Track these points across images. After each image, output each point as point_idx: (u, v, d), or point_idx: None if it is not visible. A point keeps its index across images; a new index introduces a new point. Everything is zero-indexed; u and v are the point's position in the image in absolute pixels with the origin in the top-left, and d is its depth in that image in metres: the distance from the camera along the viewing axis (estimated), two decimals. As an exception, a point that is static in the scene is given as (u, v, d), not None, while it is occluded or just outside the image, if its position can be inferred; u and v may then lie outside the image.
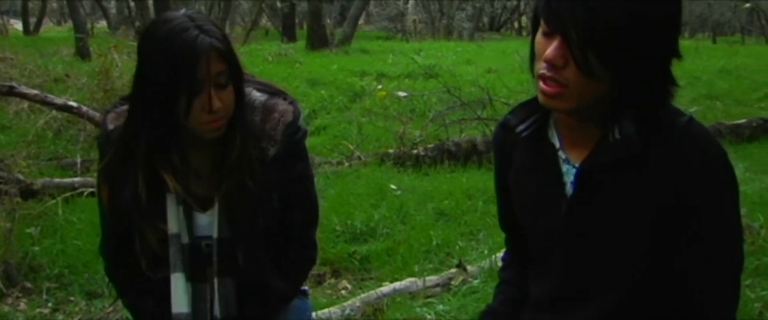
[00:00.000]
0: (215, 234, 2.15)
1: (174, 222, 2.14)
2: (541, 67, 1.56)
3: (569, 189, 1.69)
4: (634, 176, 1.60)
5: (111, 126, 2.18)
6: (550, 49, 1.52)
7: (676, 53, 1.60)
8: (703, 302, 1.63)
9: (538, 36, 1.57)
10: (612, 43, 1.48)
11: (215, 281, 2.18)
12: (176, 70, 1.94)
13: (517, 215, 1.85)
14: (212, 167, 2.15)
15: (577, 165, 1.67)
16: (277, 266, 2.25)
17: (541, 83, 1.57)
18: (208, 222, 2.17)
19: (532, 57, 1.60)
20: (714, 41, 30.03)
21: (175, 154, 2.10)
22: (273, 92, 2.22)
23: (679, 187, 1.57)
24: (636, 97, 1.57)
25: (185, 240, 2.16)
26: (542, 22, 1.56)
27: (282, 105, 2.18)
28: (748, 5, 22.48)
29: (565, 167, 1.70)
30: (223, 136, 2.09)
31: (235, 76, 2.02)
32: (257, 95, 2.18)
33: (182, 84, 1.95)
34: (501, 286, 2.02)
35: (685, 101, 11.48)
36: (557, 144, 1.71)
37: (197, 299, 2.20)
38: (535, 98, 1.65)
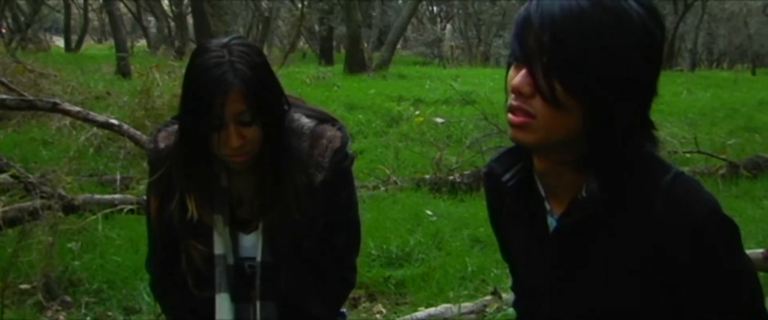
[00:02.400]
0: (259, 258, 2.18)
1: (220, 243, 2.17)
2: (510, 99, 1.51)
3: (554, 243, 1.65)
4: (614, 235, 1.53)
5: (162, 145, 2.22)
6: (517, 77, 1.47)
7: (654, 92, 1.51)
8: None
9: (511, 70, 1.52)
10: (577, 71, 1.42)
11: (257, 304, 2.20)
12: (200, 103, 1.98)
13: (511, 259, 1.85)
14: (254, 193, 2.17)
15: (557, 217, 1.63)
16: (317, 289, 2.26)
17: (509, 115, 1.52)
18: (252, 244, 2.20)
19: (506, 94, 1.54)
20: (754, 73, 29.77)
21: (221, 177, 2.14)
22: (322, 118, 2.24)
23: (664, 250, 1.49)
24: (609, 137, 1.48)
25: (230, 261, 2.19)
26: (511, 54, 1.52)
27: (330, 131, 2.20)
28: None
29: (549, 220, 1.65)
30: (263, 164, 2.11)
31: (262, 114, 2.00)
32: (306, 121, 2.20)
33: (204, 118, 1.99)
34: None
35: (722, 133, 11.41)
36: (543, 193, 1.65)
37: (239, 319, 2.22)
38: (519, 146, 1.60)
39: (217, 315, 2.19)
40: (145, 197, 6.37)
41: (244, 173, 2.15)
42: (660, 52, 1.49)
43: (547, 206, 1.65)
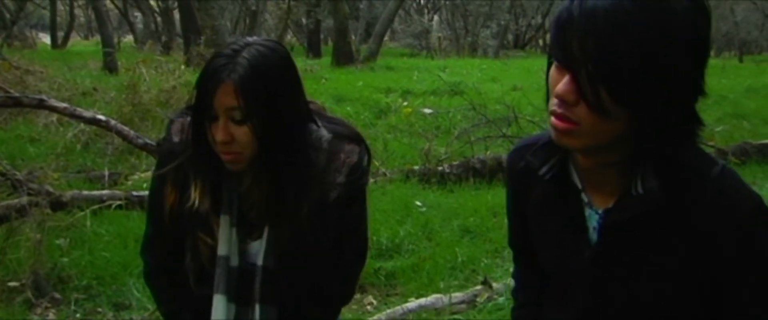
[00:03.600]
0: (260, 262, 2.15)
1: (225, 244, 2.13)
2: (553, 104, 1.47)
3: (592, 235, 1.63)
4: (661, 230, 1.53)
5: (176, 138, 2.17)
6: (561, 84, 1.44)
7: (700, 90, 1.47)
8: None
9: (552, 70, 1.49)
10: (624, 80, 1.38)
11: (256, 307, 2.18)
12: (199, 92, 1.98)
13: (536, 248, 1.81)
14: (261, 199, 2.13)
15: (600, 211, 1.61)
16: (318, 298, 2.25)
17: (553, 119, 1.49)
18: (256, 251, 2.17)
19: (548, 92, 1.52)
20: (740, 60, 29.89)
21: (232, 178, 2.11)
22: (342, 133, 2.18)
23: (714, 244, 1.49)
24: (656, 138, 1.47)
25: (234, 262, 2.16)
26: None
27: (348, 147, 2.16)
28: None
29: (587, 212, 1.64)
30: (267, 175, 2.08)
31: (254, 116, 1.96)
32: (325, 134, 2.14)
33: (200, 107, 1.98)
34: (518, 310, 1.99)
35: (710, 120, 11.43)
36: (580, 185, 1.64)
37: None
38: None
39: (213, 316, 2.17)
40: (134, 193, 6.38)
41: (253, 178, 2.11)
42: (707, 46, 1.45)
43: (585, 199, 1.64)
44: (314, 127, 2.14)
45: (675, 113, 1.45)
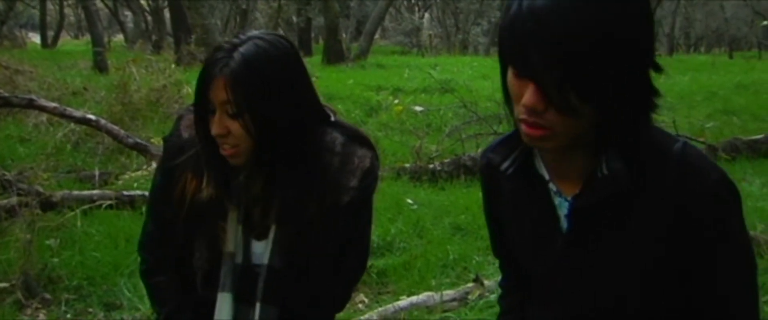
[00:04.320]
0: (265, 261, 2.14)
1: (231, 241, 2.13)
2: (521, 112, 1.46)
3: (563, 223, 1.63)
4: (630, 209, 1.53)
5: (185, 134, 2.16)
6: (527, 95, 1.42)
7: (653, 65, 1.48)
8: None
9: (510, 77, 1.47)
10: (590, 78, 1.37)
11: (257, 306, 2.16)
12: (197, 85, 2.00)
13: (512, 247, 1.80)
14: (260, 196, 2.13)
15: (569, 198, 1.60)
16: (318, 301, 2.24)
17: (524, 127, 1.48)
18: (262, 252, 2.16)
19: (507, 97, 1.51)
20: (730, 56, 29.95)
21: (241, 174, 2.10)
22: (355, 136, 2.17)
23: (681, 218, 1.50)
24: (621, 118, 1.46)
25: (238, 260, 2.15)
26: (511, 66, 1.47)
27: (362, 151, 2.15)
28: (765, 23, 22.38)
29: (557, 200, 1.63)
30: (273, 174, 2.07)
31: (246, 110, 1.96)
32: (338, 137, 2.14)
33: (199, 100, 2.00)
34: (503, 316, 1.99)
35: (700, 116, 11.48)
36: (547, 176, 1.63)
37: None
38: (515, 132, 1.57)
39: (217, 314, 2.15)
40: (124, 193, 6.36)
41: (258, 178, 2.10)
42: (653, 28, 1.47)
43: (553, 188, 1.63)
44: (328, 129, 2.12)
45: (637, 92, 1.46)
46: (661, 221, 1.52)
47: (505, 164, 1.63)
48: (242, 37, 1.99)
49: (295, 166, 2.05)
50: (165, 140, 2.26)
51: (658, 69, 1.49)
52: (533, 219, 1.68)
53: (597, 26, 1.36)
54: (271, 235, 2.13)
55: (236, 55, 1.94)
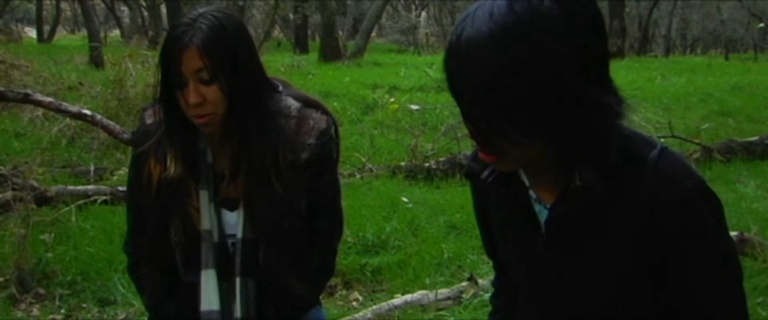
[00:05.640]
0: (239, 234, 2.20)
1: (207, 219, 2.19)
2: (471, 138, 1.48)
3: (544, 229, 1.63)
4: (606, 216, 1.53)
5: (149, 121, 2.25)
6: (469, 129, 1.45)
7: (603, 80, 1.44)
8: None
9: None
10: (516, 124, 1.38)
11: (237, 280, 2.21)
12: (163, 62, 2.08)
13: (500, 250, 1.82)
14: (236, 170, 2.19)
15: (548, 205, 1.60)
16: (299, 272, 2.27)
17: (478, 151, 1.51)
18: (235, 221, 2.22)
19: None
20: (727, 58, 29.97)
21: (207, 153, 2.19)
22: (309, 102, 2.27)
23: (654, 225, 1.49)
24: (576, 141, 1.45)
25: (216, 238, 2.20)
26: None
27: (316, 114, 2.24)
28: (761, 25, 22.39)
29: (537, 207, 1.63)
30: (240, 138, 2.14)
31: (221, 73, 2.05)
32: (293, 103, 2.24)
33: (167, 76, 2.08)
34: (494, 315, 2.00)
35: (696, 118, 11.48)
36: (527, 182, 1.63)
37: (223, 298, 2.22)
38: None
39: (203, 292, 2.20)
40: (119, 188, 6.36)
41: (228, 148, 2.18)
42: (592, 47, 1.41)
43: (533, 195, 1.63)
44: (282, 97, 2.23)
45: (585, 116, 1.41)
46: (635, 228, 1.52)
47: (485, 173, 1.63)
48: (195, 13, 2.10)
49: (259, 131, 2.14)
50: (132, 133, 2.33)
51: (607, 82, 1.45)
52: (515, 225, 1.69)
53: (520, 71, 1.34)
54: (242, 206, 2.20)
55: (201, 25, 2.05)
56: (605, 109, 1.45)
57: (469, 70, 1.37)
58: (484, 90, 1.37)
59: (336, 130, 2.27)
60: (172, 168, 2.16)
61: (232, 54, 2.08)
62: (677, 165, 1.52)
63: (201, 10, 2.11)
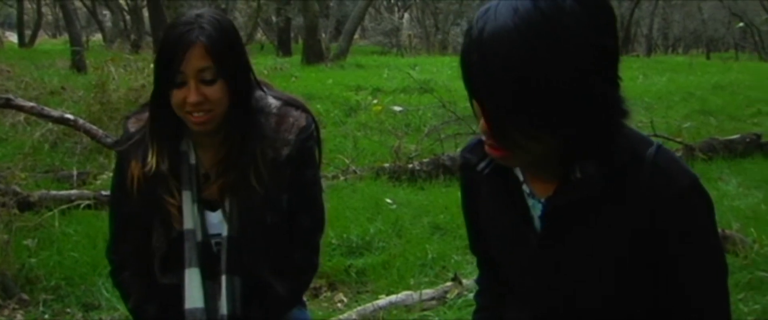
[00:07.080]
0: (225, 232, 2.22)
1: (189, 218, 2.20)
2: (482, 131, 1.50)
3: (537, 224, 1.64)
4: (603, 212, 1.55)
5: (132, 129, 2.27)
6: (482, 122, 1.47)
7: (614, 82, 1.47)
8: None
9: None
10: (534, 117, 1.40)
11: (223, 278, 2.22)
12: (164, 57, 2.08)
13: (489, 246, 1.83)
14: (219, 169, 2.21)
15: (542, 200, 1.62)
16: (282, 268, 2.29)
17: (487, 147, 1.53)
18: (218, 221, 2.24)
19: (475, 111, 1.52)
20: (708, 57, 30.15)
21: (189, 155, 2.21)
22: (289, 101, 2.31)
23: (653, 222, 1.52)
24: (584, 137, 1.48)
25: (199, 237, 2.22)
26: None
27: (296, 112, 2.27)
28: (742, 24, 22.53)
29: (530, 202, 1.65)
30: (225, 136, 2.17)
31: (225, 73, 2.08)
32: (273, 101, 2.27)
33: (165, 75, 2.08)
34: (478, 313, 2.01)
35: (678, 117, 11.55)
36: (521, 177, 1.66)
37: (207, 296, 2.24)
38: None
39: (187, 290, 2.22)
40: (103, 193, 6.34)
41: (211, 148, 2.21)
42: (608, 46, 1.44)
43: (527, 189, 1.65)
44: (263, 95, 2.27)
45: (597, 113, 1.45)
46: (631, 224, 1.53)
47: (482, 165, 1.65)
48: (194, 13, 2.12)
49: (242, 130, 2.18)
50: (116, 142, 2.35)
51: (617, 82, 1.48)
52: (508, 219, 1.70)
53: (542, 67, 1.37)
54: (226, 205, 2.22)
55: (204, 24, 2.07)
56: (616, 107, 1.49)
57: (493, 64, 1.39)
58: (507, 84, 1.39)
59: (316, 128, 2.30)
60: (152, 163, 2.17)
61: (234, 53, 2.12)
62: (674, 162, 1.55)
63: (199, 11, 2.13)
